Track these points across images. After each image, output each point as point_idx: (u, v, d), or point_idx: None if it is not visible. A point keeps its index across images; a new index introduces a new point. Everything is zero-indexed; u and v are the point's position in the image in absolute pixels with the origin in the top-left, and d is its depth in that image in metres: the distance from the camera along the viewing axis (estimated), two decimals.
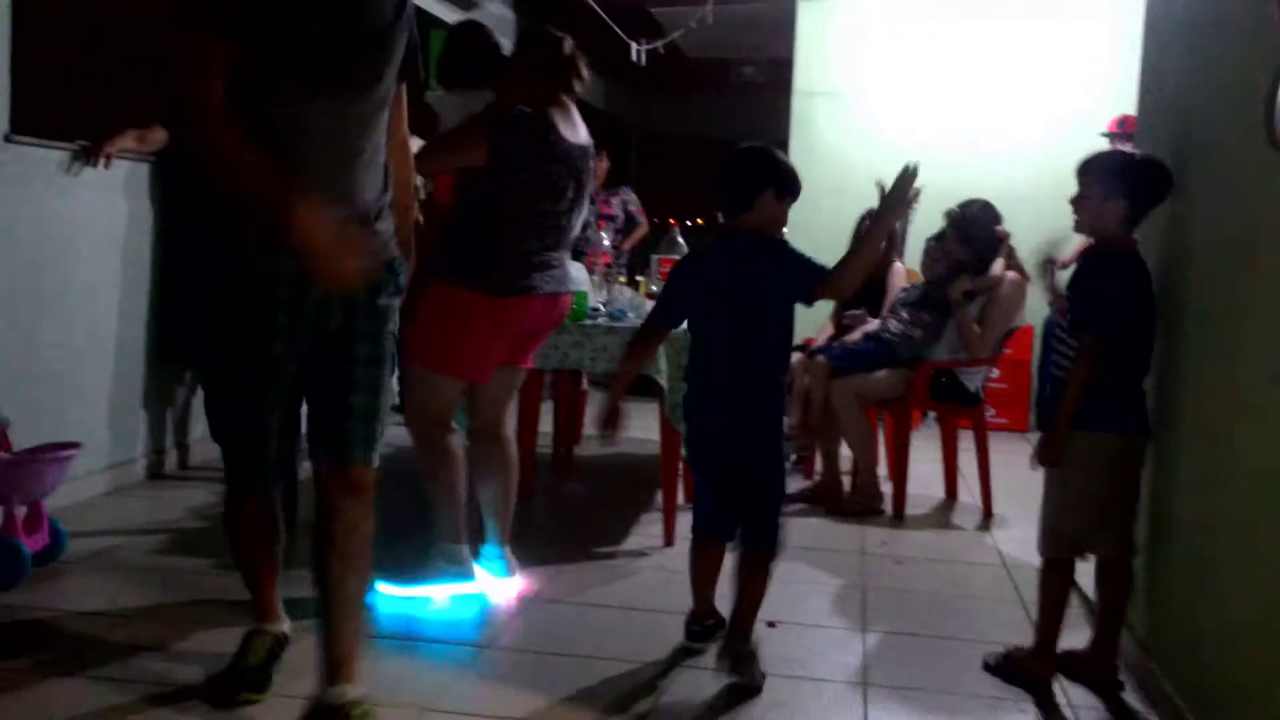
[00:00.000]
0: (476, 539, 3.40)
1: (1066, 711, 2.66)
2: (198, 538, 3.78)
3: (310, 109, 2.22)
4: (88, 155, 4.02)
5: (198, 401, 4.75)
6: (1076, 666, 2.79)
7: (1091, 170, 2.72)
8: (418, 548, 3.26)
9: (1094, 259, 2.73)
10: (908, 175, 2.62)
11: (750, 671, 2.70)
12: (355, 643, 2.39)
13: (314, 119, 2.23)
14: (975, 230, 4.59)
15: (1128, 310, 2.65)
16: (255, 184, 2.13)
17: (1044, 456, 2.70)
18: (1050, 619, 2.76)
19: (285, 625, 2.69)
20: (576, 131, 3.25)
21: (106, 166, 4.08)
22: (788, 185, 2.83)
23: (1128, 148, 5.62)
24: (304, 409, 2.46)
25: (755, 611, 2.78)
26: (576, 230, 3.34)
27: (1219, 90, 2.59)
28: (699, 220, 10.73)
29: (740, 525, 2.82)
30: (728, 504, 2.83)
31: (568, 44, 3.22)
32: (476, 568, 3.34)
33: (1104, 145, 5.80)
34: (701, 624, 2.93)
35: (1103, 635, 2.78)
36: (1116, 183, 2.66)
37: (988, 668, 2.84)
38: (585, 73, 3.25)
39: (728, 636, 2.77)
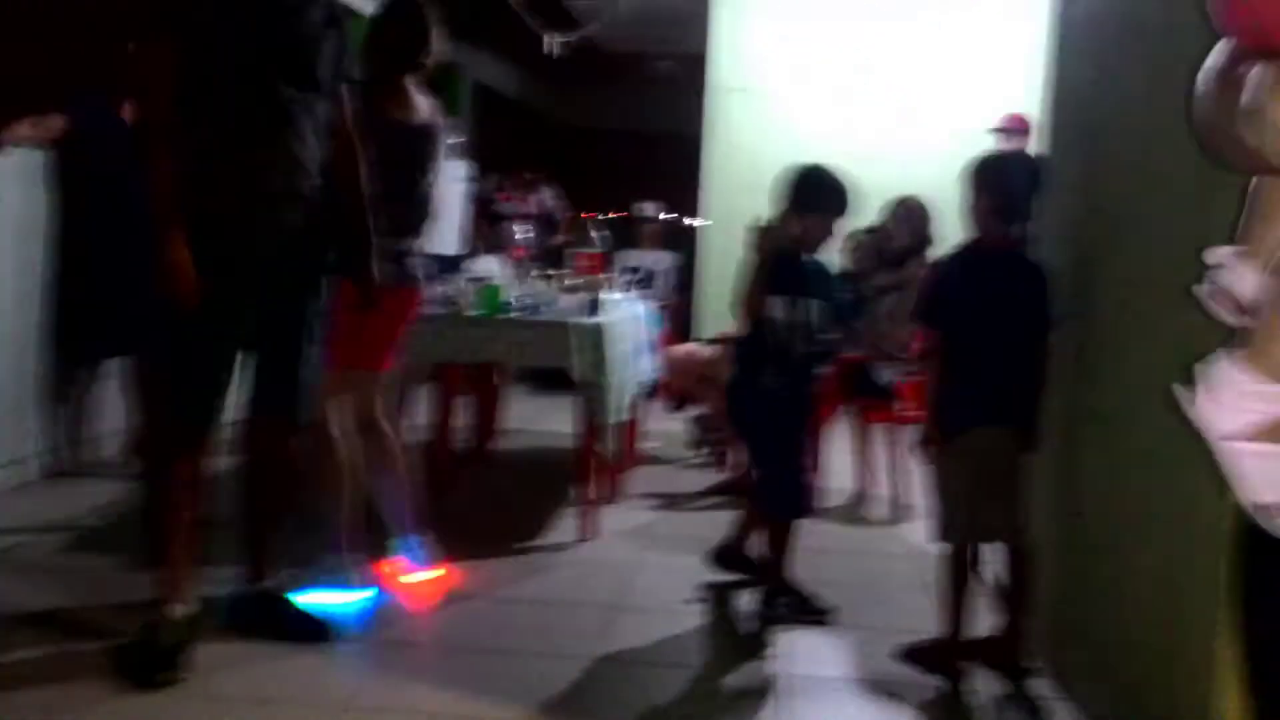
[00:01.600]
0: (385, 535, 3.36)
1: (975, 697, 2.73)
2: (100, 535, 3.68)
3: (242, 103, 2.57)
4: None
5: (97, 397, 4.61)
6: (986, 652, 2.85)
7: (966, 172, 2.85)
8: (307, 551, 3.15)
9: (945, 260, 2.89)
10: None
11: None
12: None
13: (245, 112, 2.57)
14: (917, 223, 4.72)
15: (967, 310, 2.76)
16: (164, 199, 2.55)
17: (922, 453, 2.90)
18: (948, 606, 2.82)
19: (193, 609, 2.68)
20: (412, 111, 3.15)
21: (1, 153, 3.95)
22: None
23: (1016, 146, 5.84)
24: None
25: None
26: (424, 217, 3.22)
27: (1125, 95, 2.67)
28: (613, 213, 10.73)
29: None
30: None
31: (425, 18, 3.12)
32: (391, 561, 3.32)
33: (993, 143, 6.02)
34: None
35: (1009, 621, 2.85)
36: (978, 181, 2.80)
37: (899, 657, 2.89)
38: (433, 49, 3.14)
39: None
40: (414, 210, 3.19)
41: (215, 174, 2.60)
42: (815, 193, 3.22)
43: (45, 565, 3.35)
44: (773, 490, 3.29)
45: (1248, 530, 1.25)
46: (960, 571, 2.83)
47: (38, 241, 4.28)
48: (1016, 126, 5.98)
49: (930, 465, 2.87)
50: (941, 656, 2.83)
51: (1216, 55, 1.31)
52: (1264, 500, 1.20)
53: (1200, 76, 1.33)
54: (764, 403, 3.25)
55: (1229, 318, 1.37)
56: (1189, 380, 1.28)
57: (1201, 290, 1.45)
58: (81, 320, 4.38)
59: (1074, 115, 3.13)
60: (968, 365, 2.76)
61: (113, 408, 4.65)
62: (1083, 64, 3.08)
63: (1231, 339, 1.29)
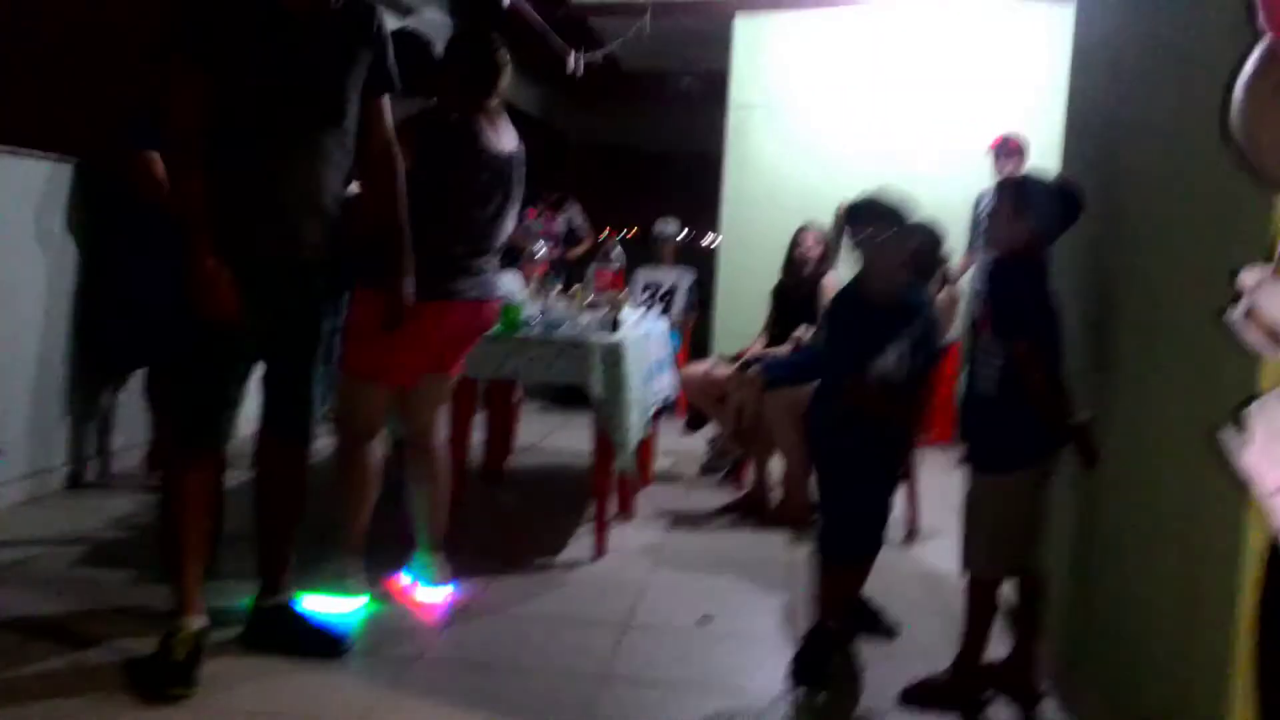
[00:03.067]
0: (409, 548, 3.38)
1: None
2: (119, 548, 3.70)
3: (263, 124, 2.61)
4: None
5: (121, 410, 4.66)
6: (1003, 678, 2.83)
7: (1007, 192, 2.81)
8: (314, 556, 3.15)
9: (1009, 266, 2.76)
10: None
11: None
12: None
13: (265, 133, 2.62)
14: (921, 251, 4.66)
15: (1043, 317, 2.71)
16: (192, 214, 2.56)
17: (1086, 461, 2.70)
18: (979, 635, 2.78)
19: (204, 622, 2.70)
20: (503, 139, 3.25)
21: None
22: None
23: (1009, 166, 5.86)
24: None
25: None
26: (504, 238, 3.32)
27: (1145, 114, 2.66)
28: (635, 231, 10.75)
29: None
30: None
31: (496, 51, 3.23)
32: (404, 578, 3.34)
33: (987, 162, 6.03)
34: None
35: (1024, 646, 2.83)
36: (1025, 200, 2.73)
37: (908, 698, 2.79)
38: (506, 79, 3.25)
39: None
40: (501, 232, 3.28)
41: (233, 192, 2.62)
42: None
43: (63, 577, 3.37)
44: (831, 534, 2.99)
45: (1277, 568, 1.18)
46: (994, 604, 2.79)
47: (66, 255, 4.32)
48: (1011, 149, 6.00)
49: (982, 499, 2.75)
50: (958, 690, 2.78)
51: (1253, 62, 1.22)
52: None
53: (1237, 87, 1.22)
54: (841, 455, 2.96)
55: (1264, 346, 1.32)
56: (1220, 415, 1.20)
57: (1233, 316, 1.38)
58: (109, 333, 4.43)
59: (1093, 136, 3.12)
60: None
61: (137, 421, 4.70)
62: (1101, 84, 3.08)
63: (1258, 363, 1.22)
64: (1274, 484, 1.11)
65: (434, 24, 7.37)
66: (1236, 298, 1.37)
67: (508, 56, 3.25)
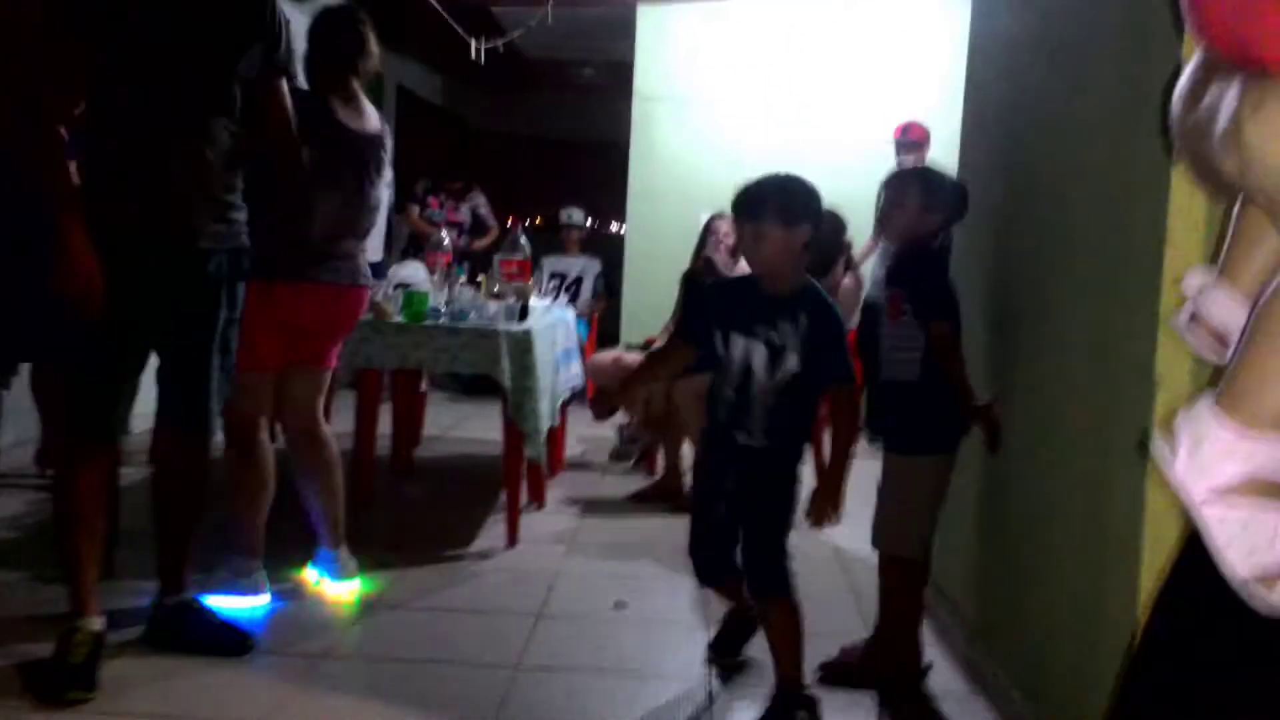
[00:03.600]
0: (311, 544, 3.31)
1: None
2: (10, 548, 3.55)
3: (151, 106, 2.54)
4: None
5: (9, 403, 4.46)
6: (886, 656, 2.86)
7: (911, 184, 2.82)
8: (205, 557, 3.03)
9: (919, 254, 2.79)
10: None
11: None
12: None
13: (153, 115, 2.54)
14: (820, 237, 4.70)
15: (958, 311, 2.77)
16: (61, 195, 2.48)
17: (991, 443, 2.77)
18: (897, 614, 2.80)
19: (102, 624, 2.61)
20: (364, 120, 3.17)
21: None
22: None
23: (911, 158, 6.00)
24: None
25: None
26: (369, 223, 3.24)
27: (1038, 110, 2.74)
28: (539, 220, 10.70)
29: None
30: None
31: (358, 29, 3.15)
32: (310, 574, 3.28)
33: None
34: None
35: (905, 626, 2.84)
36: (935, 200, 2.77)
37: (825, 677, 2.80)
38: (370, 59, 3.18)
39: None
40: (364, 215, 3.19)
41: (119, 177, 2.55)
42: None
43: None
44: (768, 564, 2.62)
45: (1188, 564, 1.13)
46: (916, 581, 2.82)
47: None
48: (916, 138, 6.14)
49: (899, 472, 2.77)
50: (874, 668, 2.81)
51: (1189, 72, 1.19)
52: (1245, 574, 1.05)
53: (1175, 95, 1.19)
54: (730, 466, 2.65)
55: (1207, 353, 1.30)
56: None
57: (1177, 321, 1.36)
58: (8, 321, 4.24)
59: (989, 129, 3.20)
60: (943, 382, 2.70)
61: (26, 417, 4.51)
62: (998, 78, 3.16)
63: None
64: (1200, 495, 1.08)
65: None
66: (1181, 302, 1.36)
67: (371, 35, 3.17)
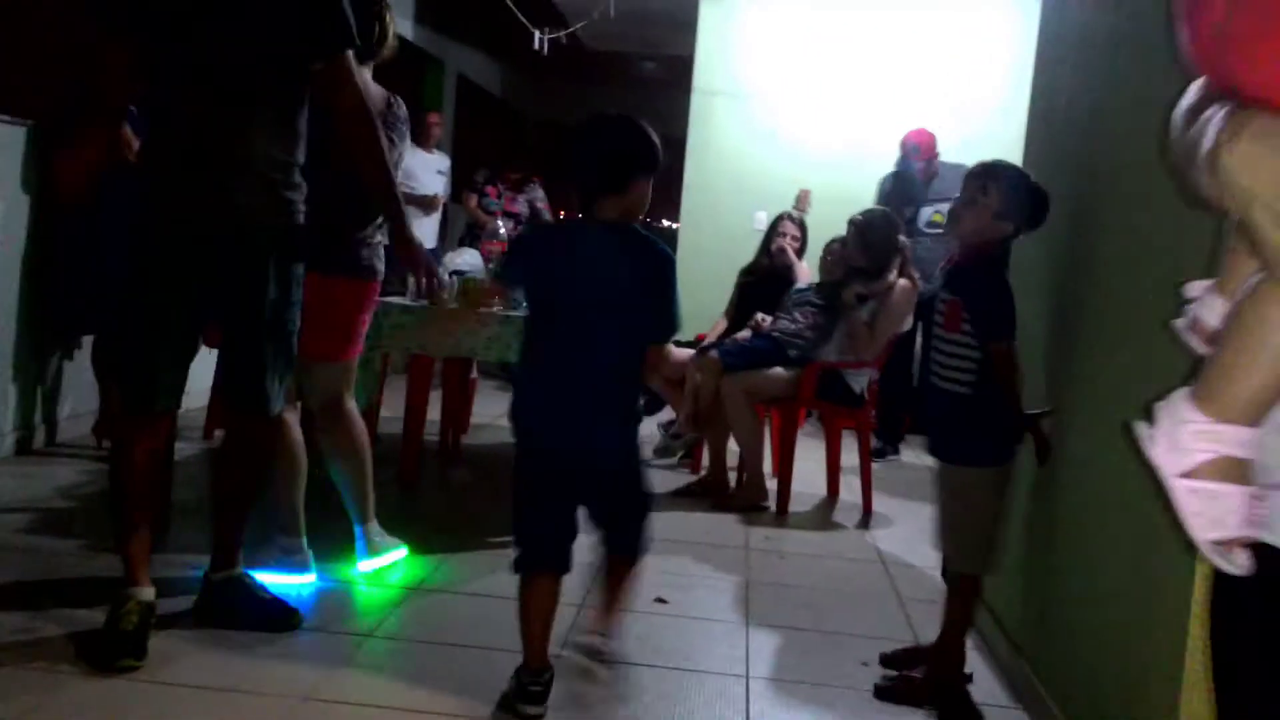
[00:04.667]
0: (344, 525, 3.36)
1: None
2: (66, 517, 3.63)
3: (199, 91, 2.55)
4: None
5: (70, 377, 4.57)
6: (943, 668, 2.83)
7: (992, 183, 2.68)
8: (253, 534, 3.03)
9: (984, 262, 2.72)
10: None
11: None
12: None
13: (203, 100, 2.56)
14: (874, 238, 4.68)
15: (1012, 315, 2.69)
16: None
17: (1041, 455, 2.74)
18: (960, 631, 2.75)
19: (152, 594, 2.66)
20: (369, 102, 3.01)
21: None
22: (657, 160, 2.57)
23: (921, 164, 5.94)
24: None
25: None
26: (363, 210, 3.10)
27: (1109, 106, 2.69)
28: None
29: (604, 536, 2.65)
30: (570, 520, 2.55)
31: (381, 12, 3.10)
32: (355, 550, 3.32)
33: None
34: (540, 679, 2.51)
35: (953, 637, 2.79)
36: (1013, 205, 2.66)
37: (883, 695, 2.75)
38: (389, 43, 3.15)
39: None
40: (369, 201, 3.03)
41: (165, 157, 2.60)
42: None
43: (9, 545, 3.30)
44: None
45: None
46: (976, 593, 2.77)
47: (17, 219, 4.23)
48: (924, 141, 6.06)
49: (955, 484, 2.71)
50: (935, 687, 2.74)
51: (1190, 94, 1.32)
52: (1209, 537, 1.23)
53: (1175, 113, 1.33)
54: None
55: (1204, 353, 1.40)
56: (1149, 415, 1.31)
57: (1179, 323, 1.48)
58: (59, 299, 4.35)
59: (1056, 131, 3.15)
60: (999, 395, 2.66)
61: (86, 389, 4.62)
62: (1069, 76, 3.10)
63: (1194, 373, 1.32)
64: (1174, 471, 1.26)
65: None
66: (1184, 307, 1.48)
67: (390, 18, 3.15)
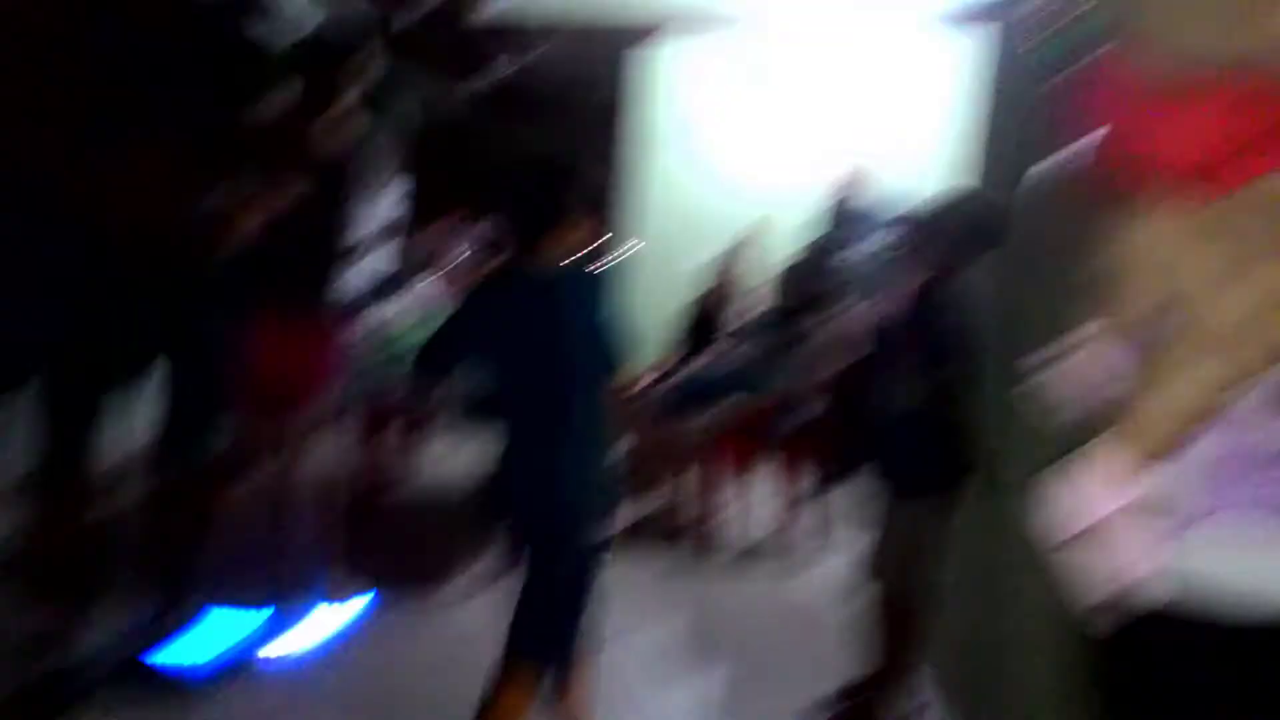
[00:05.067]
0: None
1: None
2: None
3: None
4: None
5: None
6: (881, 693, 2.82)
7: (957, 220, 2.72)
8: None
9: (940, 293, 2.71)
10: None
11: None
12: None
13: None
14: (803, 278, 4.72)
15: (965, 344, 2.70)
16: None
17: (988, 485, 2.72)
18: (899, 654, 2.76)
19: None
20: (333, 139, 3.02)
21: None
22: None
23: (857, 198, 5.94)
24: None
25: None
26: (345, 245, 3.13)
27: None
28: None
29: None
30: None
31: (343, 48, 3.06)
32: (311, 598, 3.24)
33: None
34: None
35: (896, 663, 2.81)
36: (977, 235, 2.69)
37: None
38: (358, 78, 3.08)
39: None
40: (333, 239, 3.07)
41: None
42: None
43: None
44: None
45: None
46: (915, 624, 2.77)
47: None
48: (859, 177, 6.06)
49: (897, 512, 2.74)
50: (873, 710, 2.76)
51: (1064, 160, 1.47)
52: (1124, 570, 1.27)
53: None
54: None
55: (1075, 399, 1.48)
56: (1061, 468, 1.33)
57: (1043, 380, 1.55)
58: None
59: (1001, 174, 3.13)
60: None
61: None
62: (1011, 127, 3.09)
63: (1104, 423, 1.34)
64: (1099, 507, 1.28)
65: None
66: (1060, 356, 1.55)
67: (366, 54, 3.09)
